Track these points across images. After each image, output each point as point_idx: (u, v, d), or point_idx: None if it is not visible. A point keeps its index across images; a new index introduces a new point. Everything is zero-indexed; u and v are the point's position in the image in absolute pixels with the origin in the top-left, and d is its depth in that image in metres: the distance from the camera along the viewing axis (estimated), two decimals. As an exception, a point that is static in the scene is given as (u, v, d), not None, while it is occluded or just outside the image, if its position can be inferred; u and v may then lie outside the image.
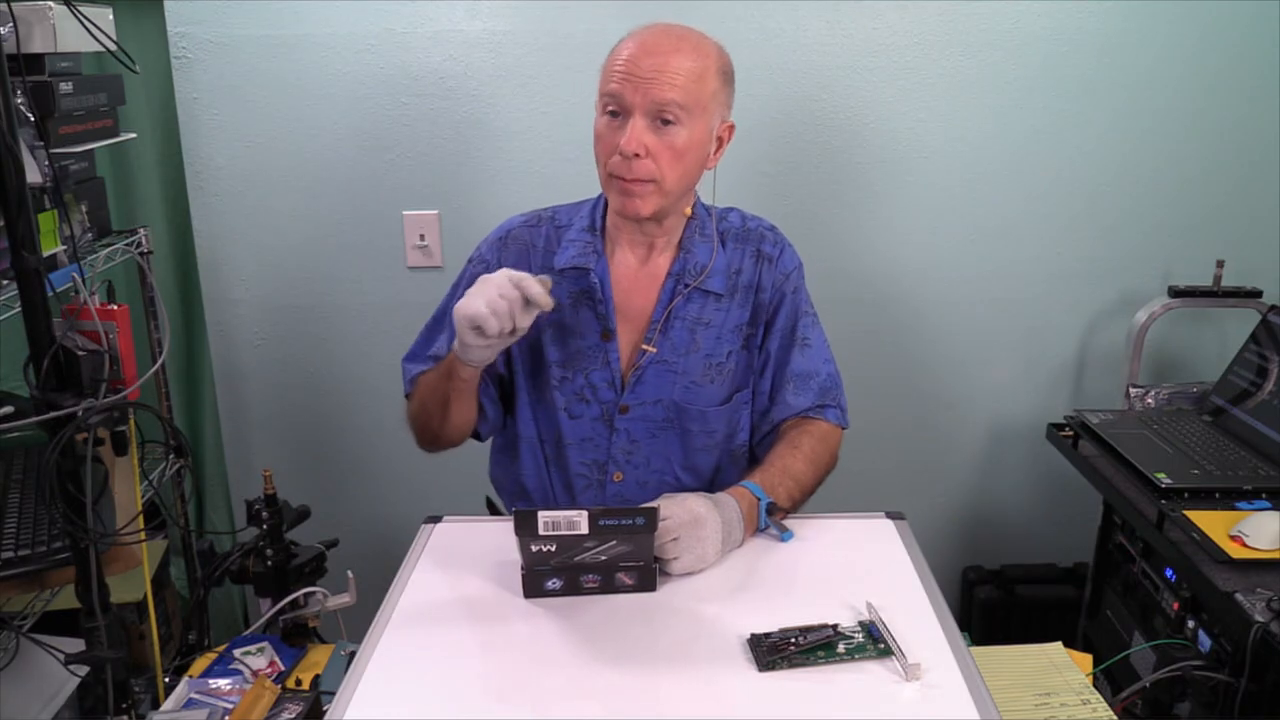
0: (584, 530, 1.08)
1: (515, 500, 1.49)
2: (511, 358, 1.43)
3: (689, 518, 1.17)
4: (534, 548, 1.10)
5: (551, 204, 1.48)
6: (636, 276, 1.40)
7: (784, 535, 1.26)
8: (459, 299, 1.43)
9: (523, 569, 1.13)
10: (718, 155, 1.36)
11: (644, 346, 1.38)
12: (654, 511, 1.09)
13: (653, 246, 1.40)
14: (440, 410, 1.36)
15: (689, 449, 1.42)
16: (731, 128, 1.36)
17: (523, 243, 1.43)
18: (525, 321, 1.19)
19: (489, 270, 1.41)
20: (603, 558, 1.11)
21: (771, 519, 1.26)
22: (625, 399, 1.39)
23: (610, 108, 1.29)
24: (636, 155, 1.26)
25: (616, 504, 1.39)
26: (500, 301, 1.17)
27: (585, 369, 1.39)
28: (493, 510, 1.62)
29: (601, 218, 1.42)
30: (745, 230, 1.43)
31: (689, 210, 1.40)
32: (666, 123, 1.26)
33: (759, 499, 1.26)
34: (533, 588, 1.13)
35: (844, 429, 1.46)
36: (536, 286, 1.18)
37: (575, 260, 1.39)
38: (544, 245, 1.42)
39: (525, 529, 1.08)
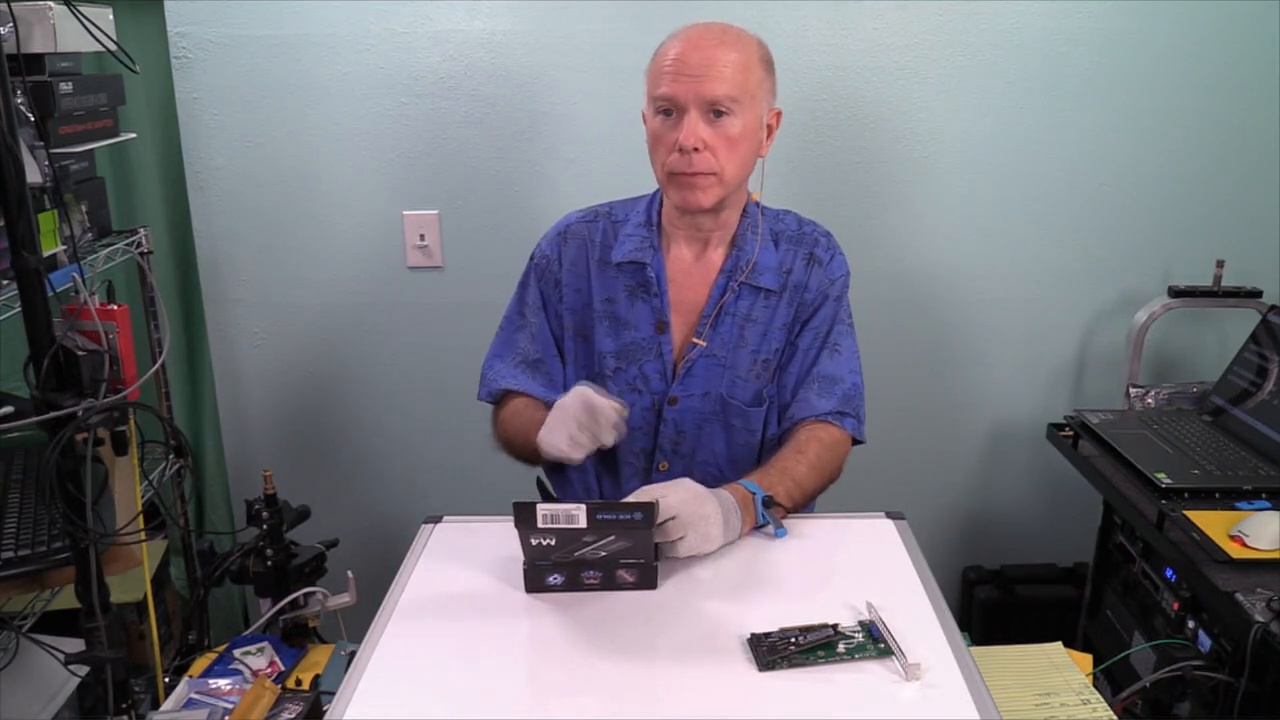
0: (582, 524, 1.08)
1: (559, 484, 1.53)
2: (564, 348, 1.48)
3: (688, 495, 1.16)
4: (534, 541, 1.10)
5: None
6: (691, 271, 1.44)
7: (778, 532, 1.25)
8: (528, 297, 1.48)
9: (524, 564, 1.13)
10: (769, 142, 1.40)
11: (694, 340, 1.42)
12: (652, 506, 1.09)
13: (708, 242, 1.44)
14: (527, 458, 1.44)
15: (733, 443, 1.45)
16: (779, 114, 1.40)
17: (581, 238, 1.48)
18: (609, 439, 1.24)
19: (550, 266, 1.48)
20: (603, 554, 1.11)
21: (769, 512, 1.25)
22: (674, 390, 1.43)
23: (664, 108, 1.33)
24: (695, 150, 1.30)
25: None
26: (581, 434, 1.23)
27: (639, 360, 1.43)
28: (543, 492, 1.63)
29: (658, 213, 1.45)
30: (801, 234, 1.46)
31: (743, 205, 1.43)
32: (720, 114, 1.30)
33: (753, 493, 1.26)
34: (534, 583, 1.14)
35: (856, 443, 1.46)
36: (613, 416, 1.22)
37: (632, 254, 1.43)
38: (601, 240, 1.47)
39: (524, 522, 1.09)
